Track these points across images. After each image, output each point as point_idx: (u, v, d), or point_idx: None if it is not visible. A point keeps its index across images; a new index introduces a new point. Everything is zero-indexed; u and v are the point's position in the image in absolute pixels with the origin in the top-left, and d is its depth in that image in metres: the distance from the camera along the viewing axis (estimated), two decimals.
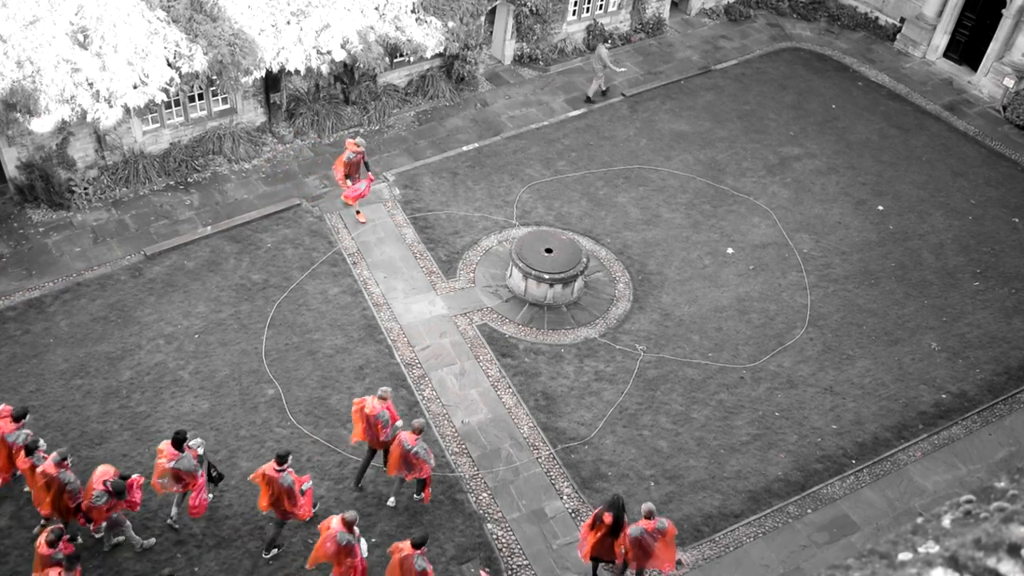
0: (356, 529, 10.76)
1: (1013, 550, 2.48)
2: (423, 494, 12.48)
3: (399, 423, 12.25)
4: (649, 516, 11.13)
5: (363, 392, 13.92)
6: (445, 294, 15.86)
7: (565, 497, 12.95)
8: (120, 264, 15.85)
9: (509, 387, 14.31)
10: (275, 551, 11.83)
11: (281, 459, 11.14)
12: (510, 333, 15.25)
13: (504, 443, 13.59)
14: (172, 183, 17.61)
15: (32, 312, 14.82)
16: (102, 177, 17.08)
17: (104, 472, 10.94)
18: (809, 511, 13.12)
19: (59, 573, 9.94)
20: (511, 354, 14.85)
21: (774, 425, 14.23)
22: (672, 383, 14.70)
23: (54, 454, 10.88)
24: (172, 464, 11.12)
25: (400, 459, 11.87)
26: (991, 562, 2.48)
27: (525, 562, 12.13)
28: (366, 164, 16.82)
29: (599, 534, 11.32)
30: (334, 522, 10.74)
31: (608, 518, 11.21)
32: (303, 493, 11.34)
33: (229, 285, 15.59)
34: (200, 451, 11.45)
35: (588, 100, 20.82)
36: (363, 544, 10.95)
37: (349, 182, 16.54)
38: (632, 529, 11.20)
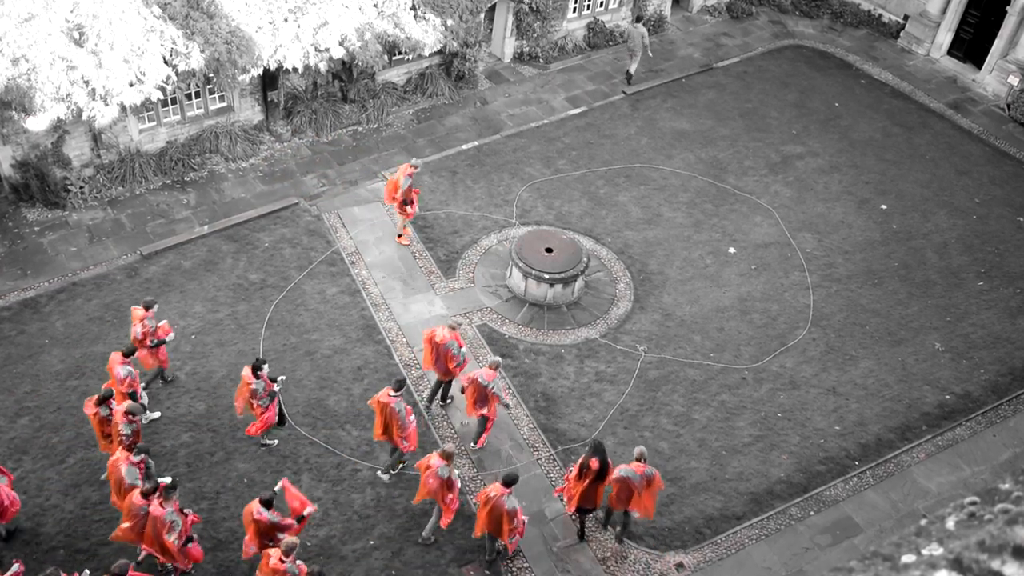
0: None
1: (1018, 552, 2.48)
2: (479, 439, 13.23)
3: (464, 348, 13.23)
4: (640, 459, 11.64)
5: (362, 393, 13.94)
6: (444, 294, 15.86)
7: (565, 498, 12.94)
8: (116, 264, 15.85)
9: (509, 388, 14.31)
10: (395, 471, 12.79)
11: (399, 384, 12.12)
12: (510, 333, 15.25)
13: (504, 444, 13.59)
14: (168, 182, 17.61)
15: (27, 312, 14.82)
16: (98, 176, 17.08)
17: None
18: (812, 513, 13.12)
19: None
20: (511, 354, 14.85)
21: (776, 426, 14.24)
22: (673, 384, 14.70)
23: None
24: (252, 386, 12.20)
25: (476, 395, 12.64)
26: (995, 564, 2.48)
27: (525, 564, 12.14)
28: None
29: (587, 481, 11.72)
30: (434, 459, 11.47)
31: (595, 463, 11.63)
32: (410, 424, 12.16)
33: (226, 285, 15.59)
34: (276, 387, 12.40)
35: (629, 77, 21.36)
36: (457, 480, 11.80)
37: (408, 208, 16.03)
38: (622, 469, 11.67)
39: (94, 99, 15.49)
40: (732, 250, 17.32)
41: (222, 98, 18.19)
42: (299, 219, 17.04)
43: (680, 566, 12.31)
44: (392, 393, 11.98)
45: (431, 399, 13.82)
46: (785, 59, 23.11)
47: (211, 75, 16.63)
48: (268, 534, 10.80)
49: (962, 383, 15.19)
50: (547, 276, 15.35)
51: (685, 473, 13.41)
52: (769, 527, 12.89)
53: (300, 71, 17.77)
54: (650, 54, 21.61)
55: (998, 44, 22.00)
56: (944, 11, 22.93)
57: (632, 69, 21.29)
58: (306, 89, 19.02)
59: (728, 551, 12.57)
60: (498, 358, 13.16)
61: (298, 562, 10.25)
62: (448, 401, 13.97)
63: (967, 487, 13.56)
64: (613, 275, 16.57)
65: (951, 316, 16.39)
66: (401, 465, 12.81)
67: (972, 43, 22.76)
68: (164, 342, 13.06)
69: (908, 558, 2.78)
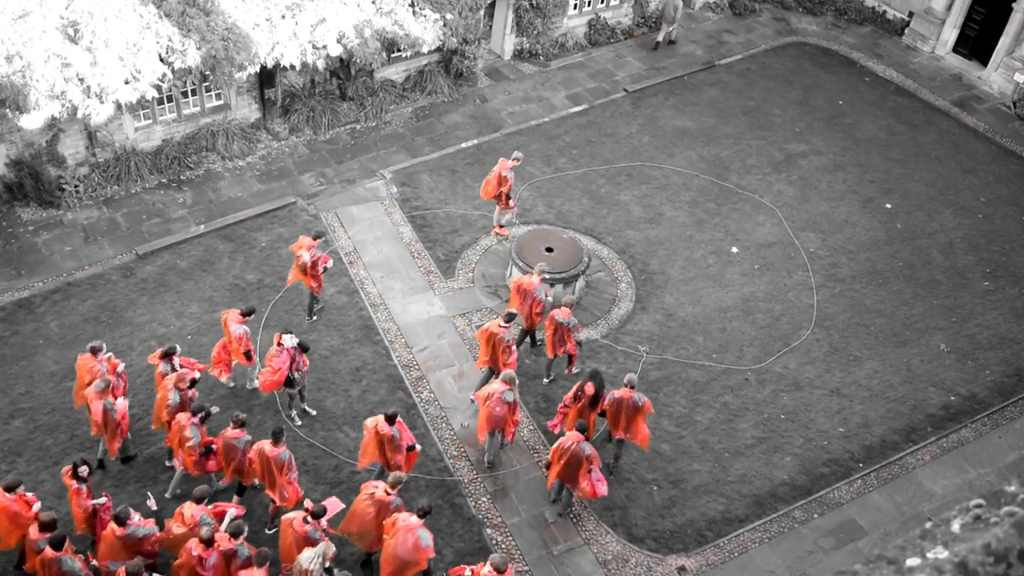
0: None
1: None
2: (569, 367, 14.14)
3: (550, 297, 14.07)
4: (630, 386, 12.33)
5: (360, 393, 13.95)
6: (444, 294, 15.86)
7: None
8: (111, 264, 15.85)
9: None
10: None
11: (509, 317, 13.16)
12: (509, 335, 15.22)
13: (503, 445, 13.58)
14: (164, 181, 17.62)
15: (21, 313, 14.82)
16: (93, 175, 17.08)
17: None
18: (815, 516, 13.12)
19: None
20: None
21: (779, 428, 14.24)
22: (675, 385, 14.70)
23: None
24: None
25: (555, 335, 13.49)
26: (1001, 568, 2.49)
27: (526, 568, 12.13)
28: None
29: (580, 405, 12.48)
30: (496, 386, 12.12)
31: (590, 388, 12.42)
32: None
33: (223, 285, 15.59)
34: (289, 345, 12.54)
35: (657, 45, 22.71)
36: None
37: (511, 202, 16.33)
38: (613, 393, 12.46)
39: (89, 97, 15.49)
40: (735, 250, 17.32)
41: (219, 96, 18.19)
42: (297, 218, 17.04)
43: (682, 569, 12.30)
44: (502, 324, 12.88)
45: (519, 343, 14.23)
46: (788, 56, 23.11)
47: (207, 73, 16.63)
48: (387, 448, 11.65)
49: (967, 384, 15.19)
50: (548, 276, 15.34)
51: (687, 475, 13.41)
52: (772, 530, 12.89)
53: (298, 68, 17.78)
54: (680, 26, 22.85)
55: (1004, 41, 22.00)
56: (949, 8, 22.93)
57: (660, 37, 22.60)
58: (304, 87, 19.03)
59: (731, 554, 12.56)
60: (572, 296, 14.21)
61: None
62: (539, 344, 14.65)
63: (972, 490, 13.55)
64: (614, 275, 16.57)
65: (956, 316, 16.39)
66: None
67: (978, 40, 22.76)
68: (327, 268, 14.41)
69: (913, 561, 2.78)
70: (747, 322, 15.90)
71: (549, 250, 15.59)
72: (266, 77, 18.14)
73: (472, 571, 10.52)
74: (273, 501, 11.61)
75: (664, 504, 13.00)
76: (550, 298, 14.04)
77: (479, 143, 19.32)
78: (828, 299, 16.49)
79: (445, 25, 18.95)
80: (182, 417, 11.56)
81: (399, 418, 11.86)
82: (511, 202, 16.45)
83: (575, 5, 22.29)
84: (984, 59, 22.65)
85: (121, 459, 12.66)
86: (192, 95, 17.79)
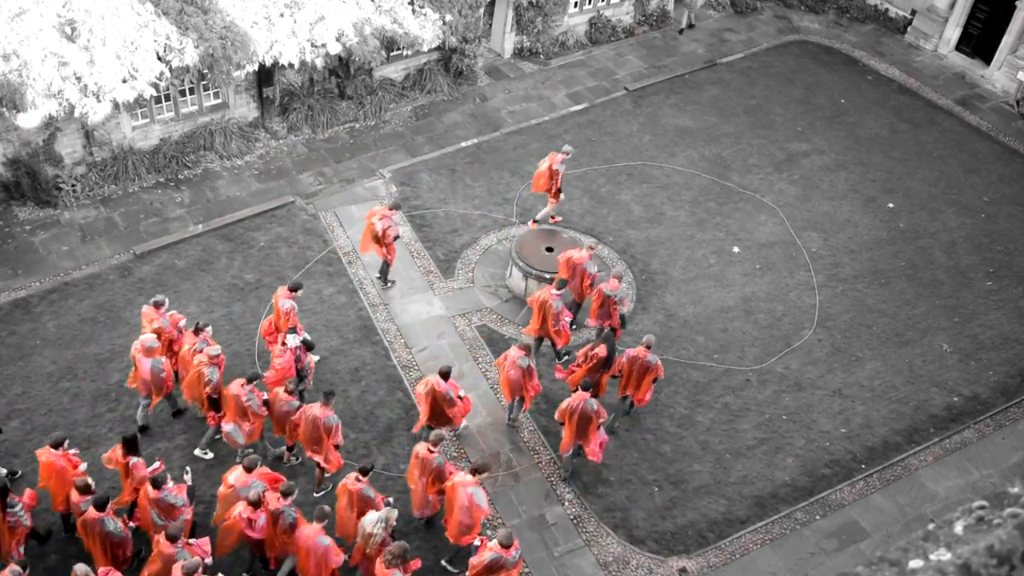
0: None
1: None
2: (616, 332, 14.23)
3: (591, 263, 14.55)
4: (647, 346, 12.87)
5: (359, 394, 13.95)
6: (443, 294, 15.86)
7: (566, 503, 12.96)
8: (109, 263, 15.84)
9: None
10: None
11: (561, 284, 13.71)
12: (510, 334, 15.23)
13: (504, 447, 13.59)
14: (162, 180, 17.62)
15: (18, 313, 14.82)
16: (90, 174, 17.08)
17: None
18: (817, 517, 13.12)
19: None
20: None
21: (781, 429, 14.24)
22: (676, 385, 14.70)
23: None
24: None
25: (600, 306, 13.91)
26: (1005, 570, 2.48)
27: (526, 570, 12.13)
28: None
29: (590, 366, 12.89)
30: (513, 351, 12.70)
31: (602, 350, 12.88)
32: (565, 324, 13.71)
33: (221, 285, 15.58)
34: (292, 344, 12.63)
35: (682, 31, 23.36)
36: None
37: (560, 196, 16.56)
38: (629, 351, 13.01)
39: (86, 96, 15.49)
40: (736, 249, 17.32)
41: (217, 95, 18.19)
42: (295, 218, 17.04)
43: (683, 571, 12.30)
44: (554, 291, 13.22)
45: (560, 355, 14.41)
46: (790, 55, 23.12)
47: (205, 71, 16.63)
48: (443, 405, 12.31)
49: (970, 385, 15.19)
50: (548, 276, 15.34)
51: (688, 476, 13.41)
52: (774, 531, 12.89)
53: (296, 67, 17.78)
54: (696, 9, 23.52)
55: (1007, 39, 22.00)
56: (952, 6, 22.93)
57: (684, 23, 23.29)
58: (302, 85, 19.03)
59: (732, 556, 12.57)
60: (620, 271, 14.75)
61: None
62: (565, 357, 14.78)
63: (976, 491, 13.55)
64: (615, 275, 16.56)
65: (959, 317, 16.39)
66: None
67: (981, 38, 22.76)
68: (399, 237, 15.21)
69: (916, 563, 2.77)
70: (748, 322, 15.90)
71: (549, 250, 15.59)
72: (264, 75, 18.14)
73: (482, 540, 10.74)
74: (318, 464, 12.11)
75: (665, 505, 13.00)
76: (598, 271, 14.59)
77: (479, 142, 19.32)
78: (830, 299, 16.49)
79: (445, 23, 18.95)
80: (236, 387, 11.87)
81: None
82: (561, 196, 16.66)
83: (576, 3, 22.29)
84: (987, 58, 22.65)
85: (172, 413, 13.34)
86: (190, 94, 17.79)
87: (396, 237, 15.02)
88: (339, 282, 15.84)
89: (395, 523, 10.76)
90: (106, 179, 17.20)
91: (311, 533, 10.43)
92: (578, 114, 20.41)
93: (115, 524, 10.55)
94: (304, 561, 10.51)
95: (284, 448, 12.80)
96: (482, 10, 20.22)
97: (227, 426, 12.14)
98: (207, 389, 12.11)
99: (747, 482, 13.43)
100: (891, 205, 18.67)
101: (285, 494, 10.64)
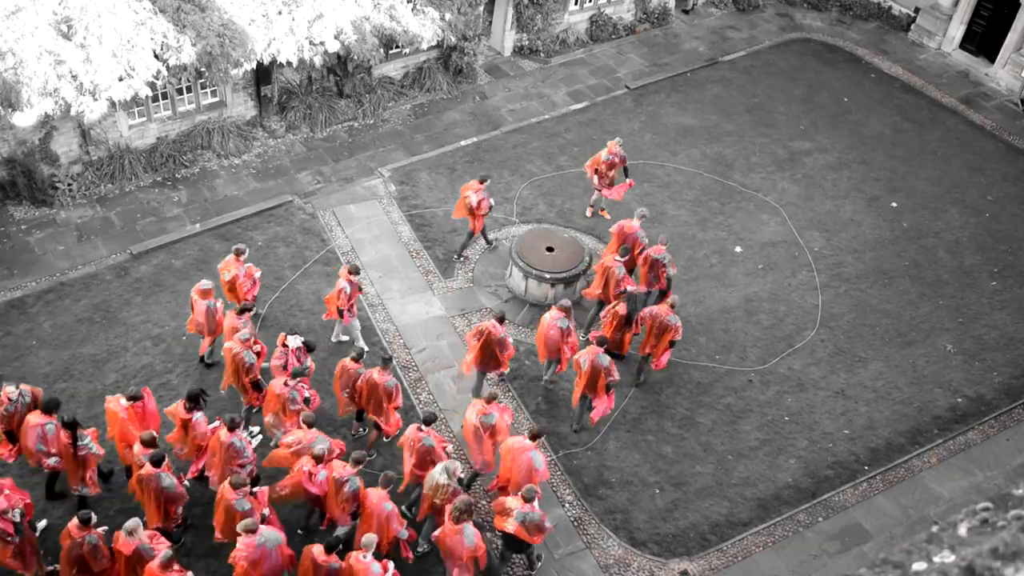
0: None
1: None
2: (661, 301, 14.41)
3: (642, 232, 15.22)
4: (671, 305, 13.62)
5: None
6: (443, 294, 15.86)
7: (567, 505, 12.96)
8: (105, 263, 15.85)
9: (509, 391, 14.31)
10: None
11: (624, 251, 14.32)
12: (510, 335, 15.22)
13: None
14: (159, 179, 17.62)
15: (14, 313, 14.82)
16: (86, 173, 17.09)
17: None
18: (820, 519, 13.13)
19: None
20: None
21: (783, 430, 14.24)
22: (677, 386, 14.70)
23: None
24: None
25: (649, 270, 14.69)
26: (1009, 572, 2.49)
27: (528, 573, 12.13)
28: (624, 169, 17.00)
29: (613, 323, 13.66)
30: (551, 313, 13.32)
31: (623, 309, 13.59)
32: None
33: (218, 285, 15.57)
34: (293, 346, 12.68)
35: (687, 11, 23.96)
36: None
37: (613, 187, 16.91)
38: (652, 308, 13.72)
39: (82, 94, 15.49)
40: (738, 249, 17.32)
41: (214, 93, 18.20)
42: (293, 217, 17.05)
43: (684, 574, 12.31)
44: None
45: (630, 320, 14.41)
46: (793, 53, 23.12)
47: (203, 69, 16.63)
48: (494, 348, 13.15)
49: (974, 386, 15.20)
50: (548, 276, 15.35)
51: (690, 478, 13.41)
52: (776, 533, 12.90)
53: (294, 65, 17.78)
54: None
55: (1012, 37, 22.00)
56: (956, 3, 22.93)
57: (689, 5, 23.89)
58: (300, 84, 19.03)
59: (734, 558, 12.57)
60: (665, 236, 15.21)
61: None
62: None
63: (980, 492, 13.55)
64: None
65: (963, 317, 16.39)
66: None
67: (985, 36, 22.76)
68: (492, 207, 15.91)
69: (919, 566, 2.78)
70: (750, 322, 15.90)
71: (550, 249, 15.60)
72: (262, 74, 18.15)
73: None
74: (376, 426, 12.58)
75: (666, 507, 13.01)
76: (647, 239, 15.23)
77: (479, 141, 19.32)
78: (833, 299, 16.50)
79: (444, 21, 18.95)
80: (278, 384, 12.11)
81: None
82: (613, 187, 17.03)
83: (576, 1, 22.29)
84: (992, 55, 22.66)
85: (206, 364, 14.00)
86: (187, 92, 17.80)
87: (491, 207, 15.79)
88: (337, 282, 15.82)
89: (460, 474, 11.28)
90: (102, 178, 17.21)
91: (376, 498, 10.75)
92: (579, 112, 20.41)
93: (170, 480, 10.87)
94: (367, 523, 10.77)
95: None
96: (482, 7, 20.23)
97: (269, 417, 12.35)
98: (247, 376, 12.43)
99: (749, 484, 13.43)
100: (894, 204, 18.68)
101: (357, 462, 10.99)
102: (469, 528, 10.53)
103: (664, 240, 14.92)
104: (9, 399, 11.46)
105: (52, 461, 11.31)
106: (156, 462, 10.77)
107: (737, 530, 12.85)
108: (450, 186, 18.04)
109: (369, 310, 15.40)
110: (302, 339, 12.84)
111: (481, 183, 15.60)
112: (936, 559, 2.78)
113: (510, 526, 10.79)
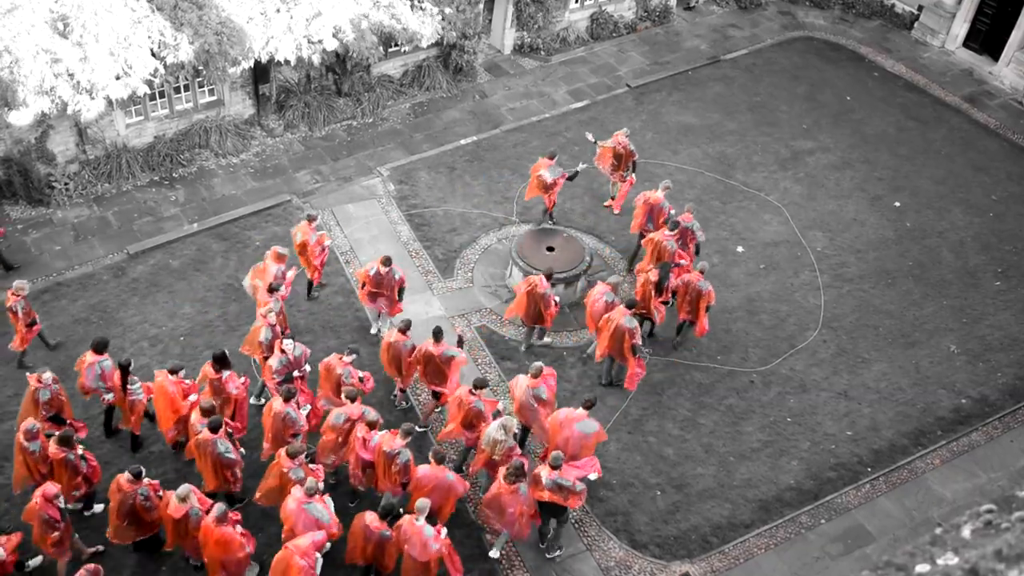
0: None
1: None
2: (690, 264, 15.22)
3: (667, 203, 15.84)
4: (701, 271, 14.19)
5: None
6: (442, 294, 15.86)
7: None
8: (102, 263, 15.85)
9: (509, 392, 14.31)
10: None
11: (674, 225, 14.75)
12: (510, 335, 15.24)
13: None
14: (156, 178, 17.63)
15: (10, 314, 14.79)
16: (83, 172, 17.09)
17: None
18: (823, 521, 13.13)
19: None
20: (511, 357, 14.85)
21: (786, 431, 14.24)
22: (679, 387, 14.70)
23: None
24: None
25: (680, 237, 15.00)
26: (1013, 574, 2.49)
27: (526, 575, 12.13)
28: (633, 164, 17.16)
29: (644, 288, 14.32)
30: (599, 288, 13.99)
31: (654, 275, 14.25)
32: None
33: (216, 285, 15.59)
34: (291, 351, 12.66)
35: (688, 9, 24.07)
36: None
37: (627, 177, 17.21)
38: (684, 275, 14.34)
39: (79, 93, 15.50)
40: (740, 249, 17.32)
41: (212, 91, 18.20)
42: (291, 217, 17.05)
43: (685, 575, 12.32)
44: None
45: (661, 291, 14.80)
46: (795, 51, 23.12)
47: (200, 68, 16.64)
48: (537, 302, 13.94)
49: (978, 387, 15.20)
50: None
51: (691, 480, 13.42)
52: (778, 536, 12.90)
53: (292, 63, 17.78)
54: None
55: (1016, 35, 22.00)
56: (960, 1, 22.94)
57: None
58: (299, 82, 19.04)
59: (736, 561, 12.57)
60: (692, 205, 15.92)
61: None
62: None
63: (983, 494, 13.55)
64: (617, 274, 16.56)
65: (967, 317, 16.39)
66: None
67: (989, 34, 22.77)
68: (577, 173, 16.60)
69: (922, 568, 2.78)
70: (752, 323, 15.90)
71: (550, 249, 15.60)
72: (260, 72, 18.15)
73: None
74: (435, 395, 13.14)
75: (668, 509, 13.01)
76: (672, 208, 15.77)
77: (478, 140, 19.32)
78: (835, 299, 16.50)
79: (444, 19, 18.95)
80: (334, 359, 12.57)
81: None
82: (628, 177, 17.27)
83: None
84: (995, 54, 22.66)
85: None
86: (185, 91, 17.80)
87: (572, 175, 16.39)
88: (336, 282, 15.84)
89: (516, 429, 11.91)
90: (99, 177, 17.21)
91: (435, 472, 11.18)
92: (579, 111, 20.41)
93: (226, 446, 11.31)
94: (420, 494, 11.09)
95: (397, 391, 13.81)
96: (482, 5, 20.23)
97: (323, 400, 12.60)
98: (260, 350, 12.80)
99: (751, 485, 13.43)
100: (898, 204, 18.68)
101: (407, 434, 11.32)
102: (523, 487, 11.16)
103: (691, 208, 15.55)
104: (41, 382, 11.85)
105: (109, 396, 12.36)
106: (214, 428, 11.24)
107: (739, 532, 12.85)
108: (449, 185, 18.04)
109: (368, 310, 15.39)
110: (302, 346, 12.84)
111: (551, 159, 16.10)
112: (939, 561, 2.78)
113: (543, 493, 11.26)
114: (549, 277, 14.04)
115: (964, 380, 15.28)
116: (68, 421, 12.05)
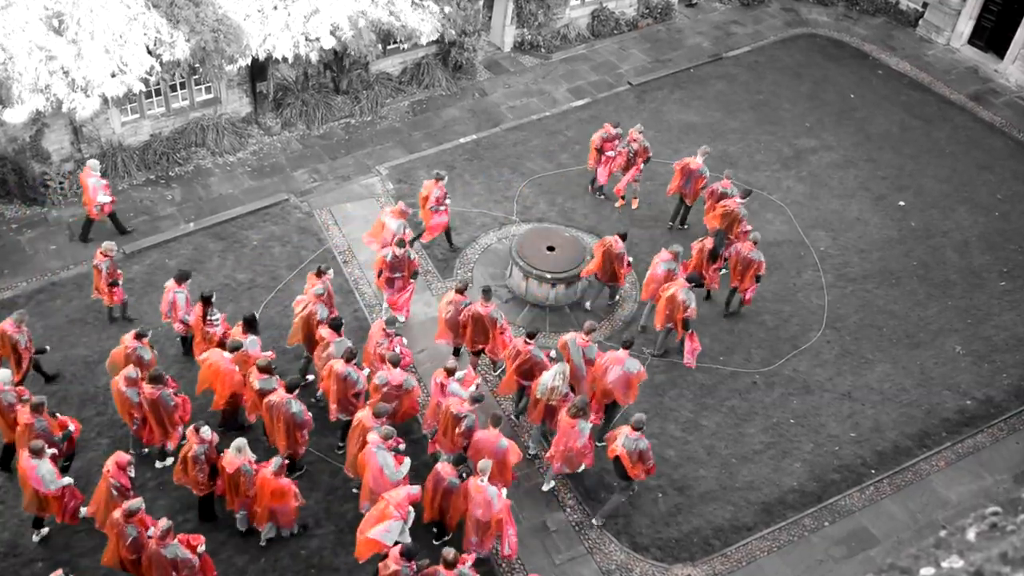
0: None
1: None
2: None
3: (705, 168, 16.67)
4: (754, 242, 14.91)
5: None
6: (441, 295, 15.86)
7: (568, 509, 12.96)
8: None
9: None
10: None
11: (747, 192, 15.82)
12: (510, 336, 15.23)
13: None
14: (152, 177, 17.63)
15: (4, 314, 14.74)
16: (78, 171, 17.09)
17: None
18: (826, 524, 13.13)
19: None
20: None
21: (789, 433, 14.25)
22: (681, 388, 14.71)
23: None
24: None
25: (712, 199, 16.18)
26: None
27: None
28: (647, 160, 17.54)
29: (699, 257, 15.14)
30: (660, 255, 14.66)
31: (709, 242, 15.14)
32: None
33: (213, 285, 15.55)
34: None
35: (690, 6, 24.23)
36: None
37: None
38: (737, 244, 15.06)
39: (74, 90, 15.51)
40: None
41: (208, 89, 18.21)
42: (289, 216, 17.05)
43: None
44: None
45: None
46: (798, 48, 23.13)
47: (197, 65, 16.65)
48: (613, 262, 14.72)
49: (983, 388, 15.20)
50: (549, 276, 15.36)
51: (693, 482, 13.42)
52: (781, 538, 12.90)
53: (290, 61, 17.80)
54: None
55: (1022, 33, 22.00)
56: None
57: None
58: (296, 80, 19.04)
59: (738, 563, 12.57)
60: (730, 171, 16.88)
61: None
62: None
63: (988, 497, 13.55)
64: None
65: (972, 318, 16.39)
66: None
67: (994, 31, 22.76)
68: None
69: (927, 571, 2.78)
70: (755, 323, 15.91)
71: (551, 249, 15.61)
72: (257, 70, 18.15)
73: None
74: (481, 352, 13.68)
75: (669, 512, 13.01)
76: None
77: (478, 138, 19.33)
78: (839, 299, 16.50)
79: (443, 16, 18.96)
80: (376, 328, 13.11)
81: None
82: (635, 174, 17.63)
83: None
84: (1001, 51, 22.66)
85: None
86: (181, 88, 17.81)
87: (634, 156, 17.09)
88: (334, 282, 15.80)
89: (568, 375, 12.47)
90: None
91: (491, 437, 11.64)
92: (580, 109, 20.42)
93: (300, 407, 11.78)
94: (477, 457, 11.54)
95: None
96: (481, 2, 20.24)
97: (367, 370, 12.97)
98: (316, 328, 13.14)
99: (754, 488, 13.44)
100: (902, 203, 18.68)
101: (475, 400, 11.92)
102: (584, 424, 11.89)
103: (729, 175, 16.38)
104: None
105: (178, 326, 13.46)
106: (290, 388, 11.80)
107: (741, 535, 12.85)
108: (448, 184, 18.02)
109: (366, 310, 15.40)
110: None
111: (615, 127, 17.25)
112: (944, 564, 2.78)
113: (617, 449, 11.85)
114: (624, 237, 14.86)
115: (969, 381, 15.28)
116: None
